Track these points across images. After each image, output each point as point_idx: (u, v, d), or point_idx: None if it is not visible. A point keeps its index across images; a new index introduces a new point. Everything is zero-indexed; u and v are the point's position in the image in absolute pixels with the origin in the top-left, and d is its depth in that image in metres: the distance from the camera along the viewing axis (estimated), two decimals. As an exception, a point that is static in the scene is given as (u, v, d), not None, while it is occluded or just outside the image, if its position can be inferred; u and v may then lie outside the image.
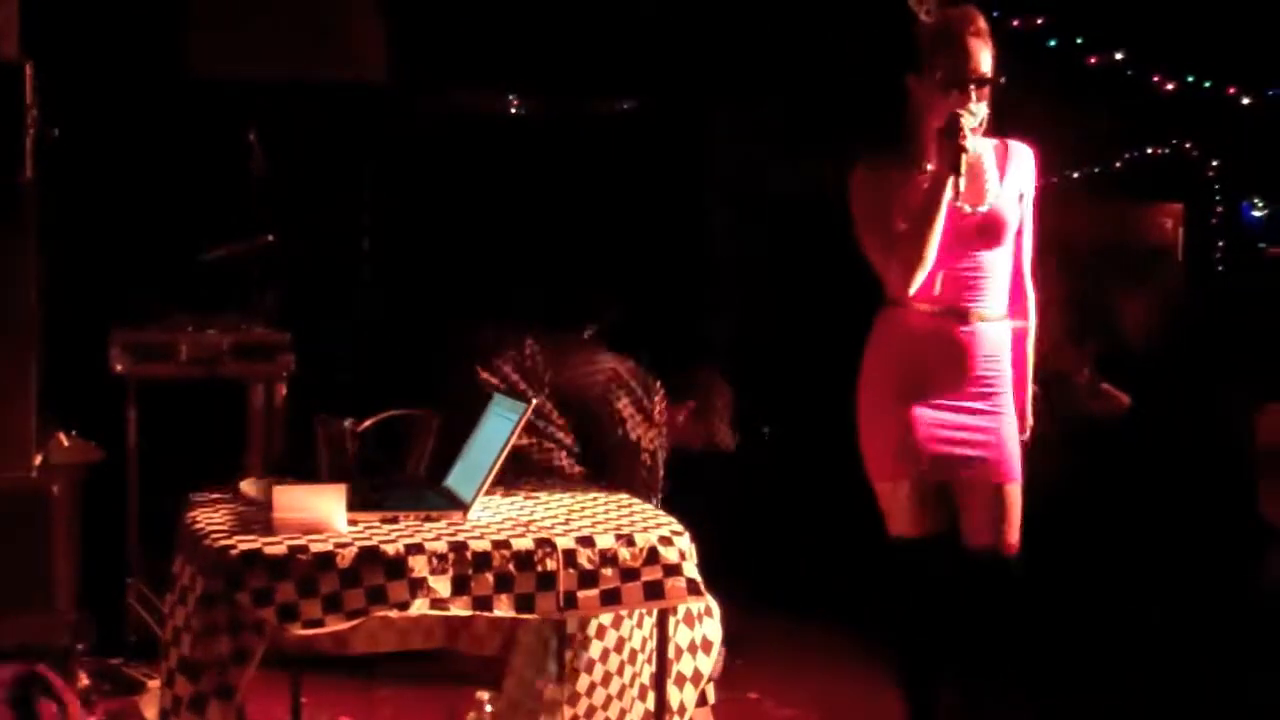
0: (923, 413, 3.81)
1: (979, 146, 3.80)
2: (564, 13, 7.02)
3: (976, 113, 3.74)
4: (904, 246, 3.74)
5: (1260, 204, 13.85)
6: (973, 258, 3.81)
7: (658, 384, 4.98)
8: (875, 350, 3.94)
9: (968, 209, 3.76)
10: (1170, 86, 9.08)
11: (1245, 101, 9.61)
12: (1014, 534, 3.82)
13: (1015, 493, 3.84)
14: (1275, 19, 8.08)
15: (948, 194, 3.69)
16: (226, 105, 6.38)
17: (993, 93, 3.76)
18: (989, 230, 3.81)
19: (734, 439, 5.34)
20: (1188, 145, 12.52)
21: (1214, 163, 12.94)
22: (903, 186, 3.81)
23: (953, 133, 3.66)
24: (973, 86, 3.71)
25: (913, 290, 3.77)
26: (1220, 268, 12.22)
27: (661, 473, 4.99)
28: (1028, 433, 3.96)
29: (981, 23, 3.74)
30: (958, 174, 3.66)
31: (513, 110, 7.53)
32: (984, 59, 3.71)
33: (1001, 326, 3.89)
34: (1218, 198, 13.22)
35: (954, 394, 3.83)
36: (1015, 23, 5.92)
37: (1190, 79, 9.19)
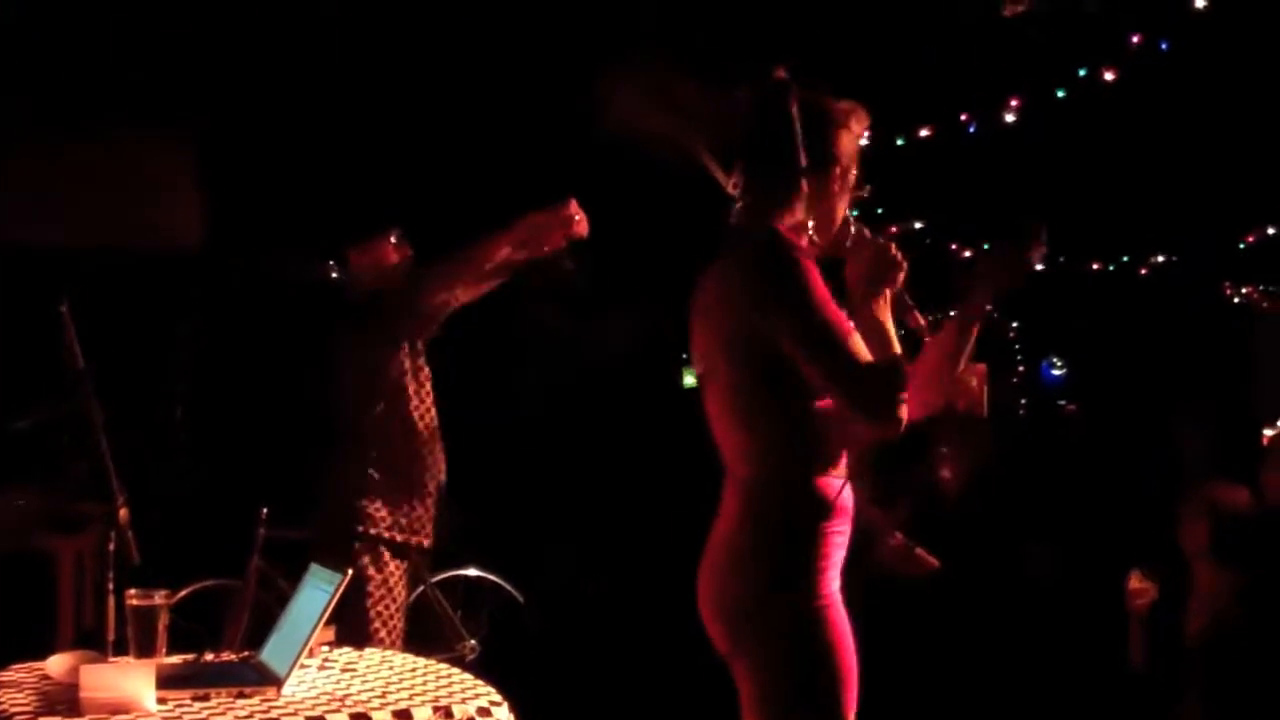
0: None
1: None
2: (379, 180, 7.12)
3: None
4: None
5: (1059, 363, 14.47)
6: None
7: None
8: (805, 544, 3.00)
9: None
10: (968, 254, 9.51)
11: (1039, 267, 10.08)
12: None
13: None
14: (1063, 190, 8.55)
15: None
16: (38, 271, 6.33)
17: None
18: None
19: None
20: (988, 308, 13.09)
21: (1014, 324, 13.52)
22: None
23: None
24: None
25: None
26: (1024, 425, 12.71)
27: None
28: None
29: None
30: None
31: (333, 276, 7.58)
32: None
33: None
34: (1019, 358, 13.80)
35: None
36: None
37: (986, 246, 9.63)
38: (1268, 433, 8.15)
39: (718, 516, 3.13)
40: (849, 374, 2.90)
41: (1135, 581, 5.49)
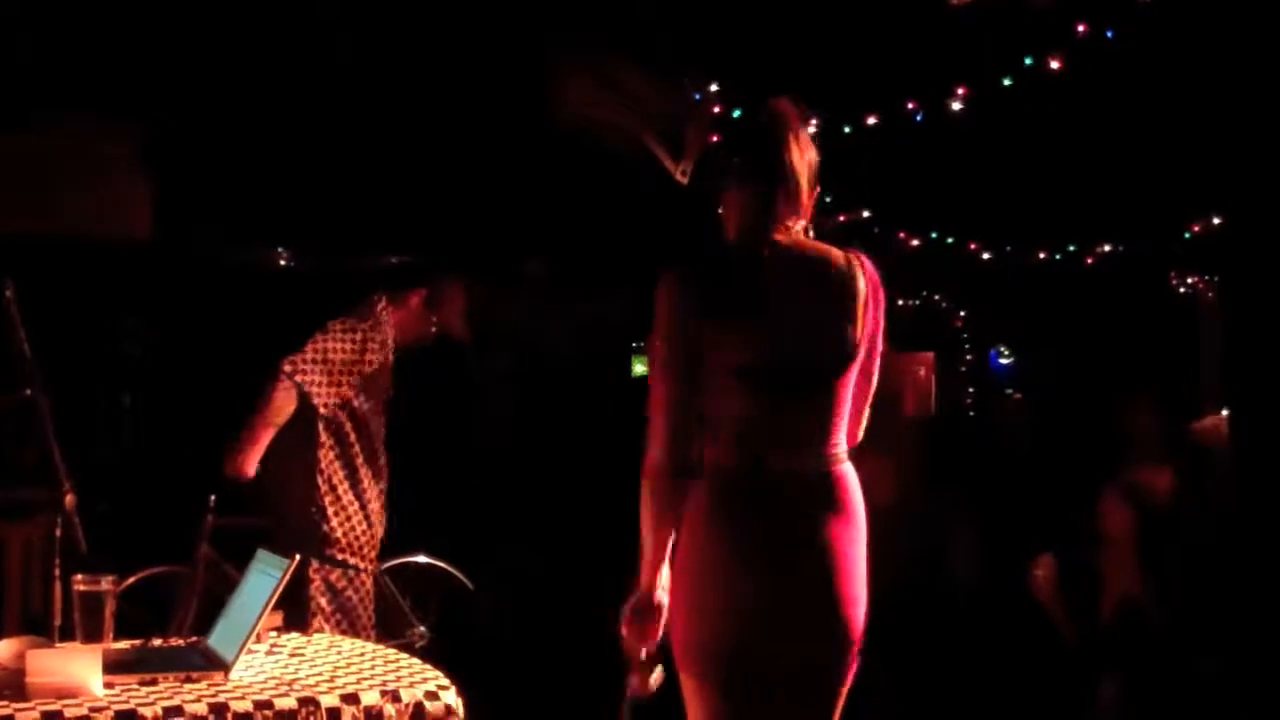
0: None
1: None
2: (330, 172, 7.09)
3: None
4: None
5: (1006, 352, 14.58)
6: None
7: None
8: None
9: None
10: (915, 243, 9.56)
11: (986, 256, 10.14)
12: None
13: None
14: (1010, 179, 8.60)
15: None
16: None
17: None
18: None
19: (470, 333, 5.36)
20: (936, 298, 13.15)
21: (961, 314, 13.62)
22: None
23: None
24: None
25: None
26: (971, 413, 12.80)
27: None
28: None
29: None
30: None
31: (281, 264, 7.56)
32: None
33: None
34: (967, 347, 13.89)
35: None
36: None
37: (934, 235, 9.69)
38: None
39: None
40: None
41: (1042, 568, 5.59)
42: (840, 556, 3.11)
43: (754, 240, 3.18)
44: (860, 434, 3.29)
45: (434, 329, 5.42)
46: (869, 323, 3.17)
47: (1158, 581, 5.24)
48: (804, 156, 3.23)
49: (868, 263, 3.19)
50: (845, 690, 3.17)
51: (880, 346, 3.24)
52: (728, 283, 3.14)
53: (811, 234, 3.24)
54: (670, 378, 3.12)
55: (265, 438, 5.19)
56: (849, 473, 3.18)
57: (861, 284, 3.14)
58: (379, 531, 5.43)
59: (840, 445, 3.17)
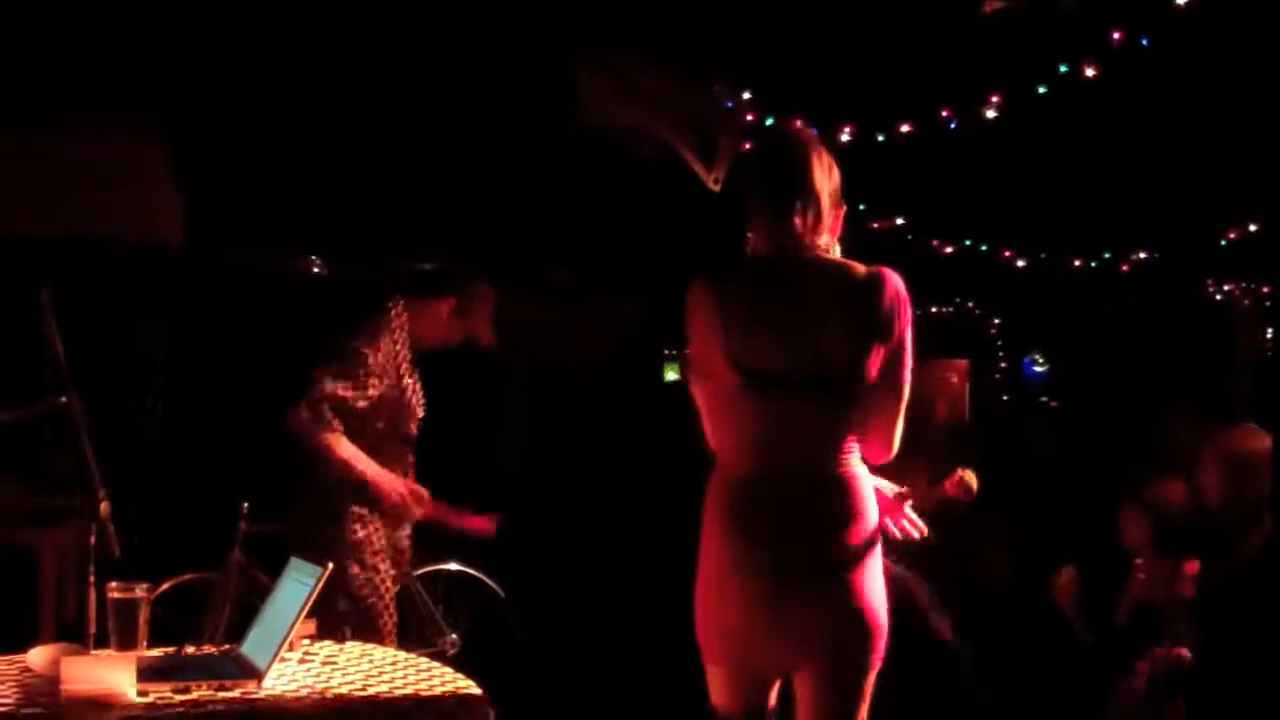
0: None
1: None
2: (354, 178, 7.08)
3: None
4: None
5: (1041, 360, 14.53)
6: None
7: None
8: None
9: None
10: (949, 250, 9.52)
11: (1020, 264, 10.10)
12: None
13: None
14: (1044, 186, 8.56)
15: None
16: (18, 264, 6.30)
17: None
18: None
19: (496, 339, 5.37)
20: (970, 305, 13.11)
21: (995, 321, 13.58)
22: None
23: None
24: None
25: None
26: (1001, 420, 12.74)
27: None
28: None
29: None
30: None
31: (315, 270, 7.57)
32: None
33: None
34: (1001, 354, 13.85)
35: None
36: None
37: (968, 242, 9.65)
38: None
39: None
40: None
41: (1064, 576, 5.71)
42: (852, 555, 3.23)
43: (774, 253, 3.33)
44: (894, 448, 3.35)
45: (461, 336, 5.40)
46: (889, 337, 3.24)
47: (1175, 588, 5.29)
48: (825, 175, 3.36)
49: (893, 279, 3.26)
50: (868, 681, 3.27)
51: (908, 361, 3.29)
52: (746, 292, 3.29)
53: (837, 250, 3.38)
54: (695, 381, 3.36)
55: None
56: (860, 474, 3.29)
57: (882, 299, 3.22)
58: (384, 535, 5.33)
59: (852, 451, 3.28)
